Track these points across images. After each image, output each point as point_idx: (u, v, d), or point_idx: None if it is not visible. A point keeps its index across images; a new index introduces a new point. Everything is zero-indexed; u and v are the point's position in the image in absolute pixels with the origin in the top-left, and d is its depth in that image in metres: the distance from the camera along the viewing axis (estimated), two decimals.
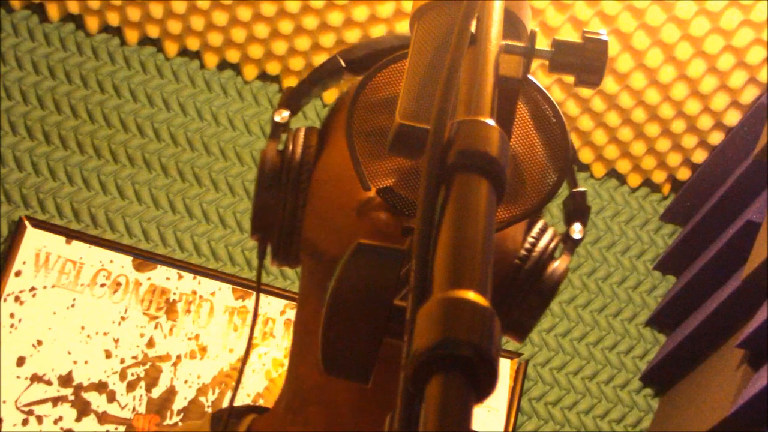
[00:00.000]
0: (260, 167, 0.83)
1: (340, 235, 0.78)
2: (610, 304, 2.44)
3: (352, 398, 0.80)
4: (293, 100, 0.88)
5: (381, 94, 0.75)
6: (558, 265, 0.83)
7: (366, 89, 0.74)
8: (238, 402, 2.21)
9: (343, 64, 0.88)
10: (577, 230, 0.88)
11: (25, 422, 2.12)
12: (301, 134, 0.84)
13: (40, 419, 2.13)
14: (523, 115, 0.75)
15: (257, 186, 0.83)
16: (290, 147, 0.83)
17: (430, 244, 0.44)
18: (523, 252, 0.81)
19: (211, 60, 2.40)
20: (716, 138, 2.38)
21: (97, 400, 2.17)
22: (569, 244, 0.87)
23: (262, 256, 0.83)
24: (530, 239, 0.82)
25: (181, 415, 2.20)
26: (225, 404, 2.22)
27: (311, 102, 2.44)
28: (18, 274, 2.20)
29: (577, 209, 0.89)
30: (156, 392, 2.20)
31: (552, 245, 0.83)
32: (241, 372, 0.85)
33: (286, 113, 0.86)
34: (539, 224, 0.84)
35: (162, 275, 2.26)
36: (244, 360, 0.84)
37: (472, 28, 0.55)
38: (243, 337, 2.26)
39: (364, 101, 0.74)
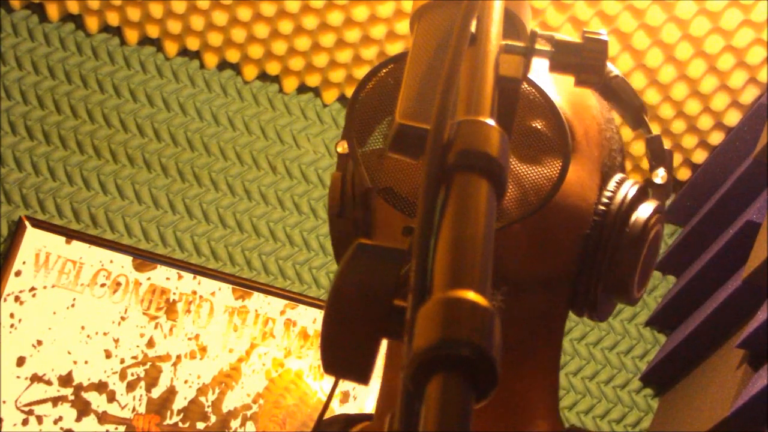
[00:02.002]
0: (329, 199, 0.85)
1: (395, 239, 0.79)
2: None
3: None
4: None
5: (381, 94, 0.75)
6: (642, 210, 0.79)
7: (366, 89, 0.74)
8: (239, 402, 2.22)
9: (393, 83, 0.89)
10: (660, 175, 0.84)
11: (25, 422, 2.12)
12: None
13: (40, 419, 2.13)
14: (522, 114, 0.75)
15: (329, 218, 0.85)
16: (350, 174, 0.85)
17: (430, 244, 0.44)
18: (601, 207, 0.79)
19: (210, 60, 2.40)
20: (716, 138, 2.38)
21: (97, 400, 2.17)
22: (655, 190, 0.84)
23: None
24: (607, 193, 0.80)
25: (181, 415, 2.20)
26: (225, 405, 2.22)
27: (311, 103, 2.45)
28: (18, 274, 2.20)
29: (656, 154, 0.85)
30: (156, 392, 2.20)
31: (632, 194, 0.80)
32: (326, 406, 0.82)
33: (347, 144, 0.87)
34: (616, 177, 0.82)
35: (162, 275, 2.26)
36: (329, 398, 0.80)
37: (472, 28, 0.55)
38: (243, 337, 2.26)
39: (364, 101, 0.75)
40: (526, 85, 0.72)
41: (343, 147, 0.87)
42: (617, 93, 0.85)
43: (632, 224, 0.79)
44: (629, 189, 0.81)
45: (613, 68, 0.86)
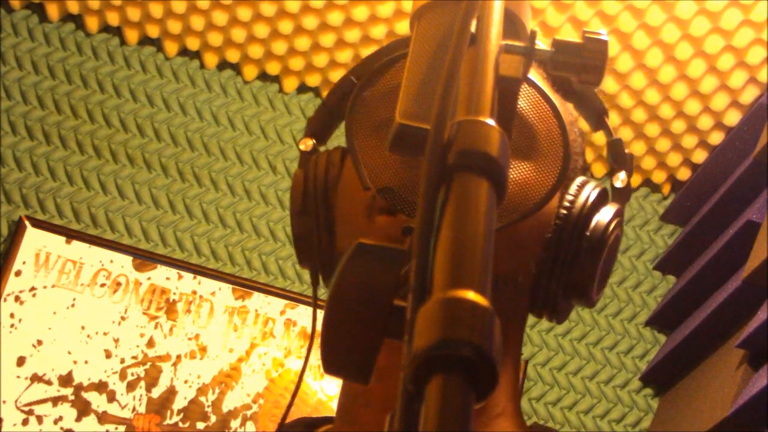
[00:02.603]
0: (291, 197, 0.85)
1: (357, 235, 0.79)
2: (610, 304, 2.44)
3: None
4: (315, 127, 0.90)
5: (381, 94, 0.75)
6: (602, 215, 0.80)
7: (366, 89, 0.74)
8: (239, 402, 2.22)
9: (356, 82, 0.88)
10: (620, 178, 0.85)
11: (25, 422, 2.12)
12: (324, 156, 0.86)
13: (40, 419, 2.13)
14: (522, 114, 0.75)
15: (291, 216, 0.85)
16: (312, 171, 0.85)
17: (430, 244, 0.44)
18: (562, 211, 0.80)
19: (211, 60, 2.40)
20: (716, 138, 2.38)
21: (97, 400, 2.17)
22: (615, 193, 0.85)
23: (315, 283, 0.85)
24: (568, 197, 0.80)
25: (181, 415, 2.20)
26: (225, 405, 2.22)
27: (311, 103, 2.44)
28: (18, 274, 2.20)
29: (617, 158, 0.86)
30: (156, 392, 2.20)
31: (593, 198, 0.80)
32: (297, 388, 0.83)
33: (310, 142, 0.87)
34: (577, 181, 0.82)
35: (162, 275, 2.26)
36: (300, 377, 0.81)
37: (472, 28, 0.55)
38: (243, 337, 2.26)
39: (364, 101, 0.75)
40: (526, 86, 0.72)
41: (305, 145, 0.87)
42: (581, 95, 0.86)
43: (593, 229, 0.80)
44: (590, 193, 0.81)
45: None
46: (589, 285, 0.80)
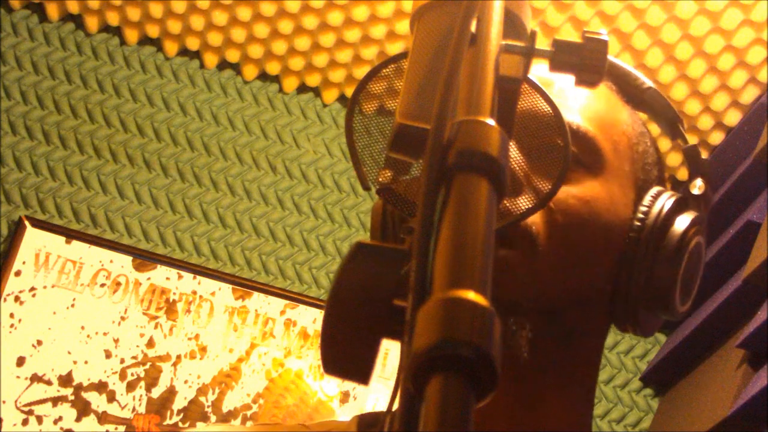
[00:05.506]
0: (371, 224, 0.83)
1: None
2: None
3: None
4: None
5: (381, 95, 0.75)
6: (679, 223, 0.78)
7: (366, 89, 0.74)
8: (239, 402, 2.22)
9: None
10: (698, 185, 0.83)
11: (25, 422, 2.12)
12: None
13: (40, 419, 2.13)
14: (523, 114, 0.75)
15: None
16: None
17: (430, 244, 0.44)
18: (636, 223, 0.78)
19: (210, 60, 2.40)
20: (716, 138, 2.38)
21: (97, 400, 2.17)
22: (692, 201, 0.83)
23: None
24: (642, 208, 0.79)
25: (181, 415, 2.20)
26: (225, 405, 2.22)
27: (311, 103, 2.45)
28: (18, 274, 2.20)
29: (694, 164, 0.84)
30: (156, 392, 2.20)
31: (667, 207, 0.79)
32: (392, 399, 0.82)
33: (389, 173, 0.87)
34: (651, 191, 0.80)
35: (162, 275, 2.26)
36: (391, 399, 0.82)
37: (472, 28, 0.55)
38: (243, 337, 2.26)
39: (363, 101, 0.75)
40: (527, 86, 0.72)
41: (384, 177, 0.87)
42: (651, 105, 0.85)
43: (669, 238, 0.78)
44: (665, 202, 0.79)
45: (646, 80, 0.86)
46: (671, 295, 0.77)
